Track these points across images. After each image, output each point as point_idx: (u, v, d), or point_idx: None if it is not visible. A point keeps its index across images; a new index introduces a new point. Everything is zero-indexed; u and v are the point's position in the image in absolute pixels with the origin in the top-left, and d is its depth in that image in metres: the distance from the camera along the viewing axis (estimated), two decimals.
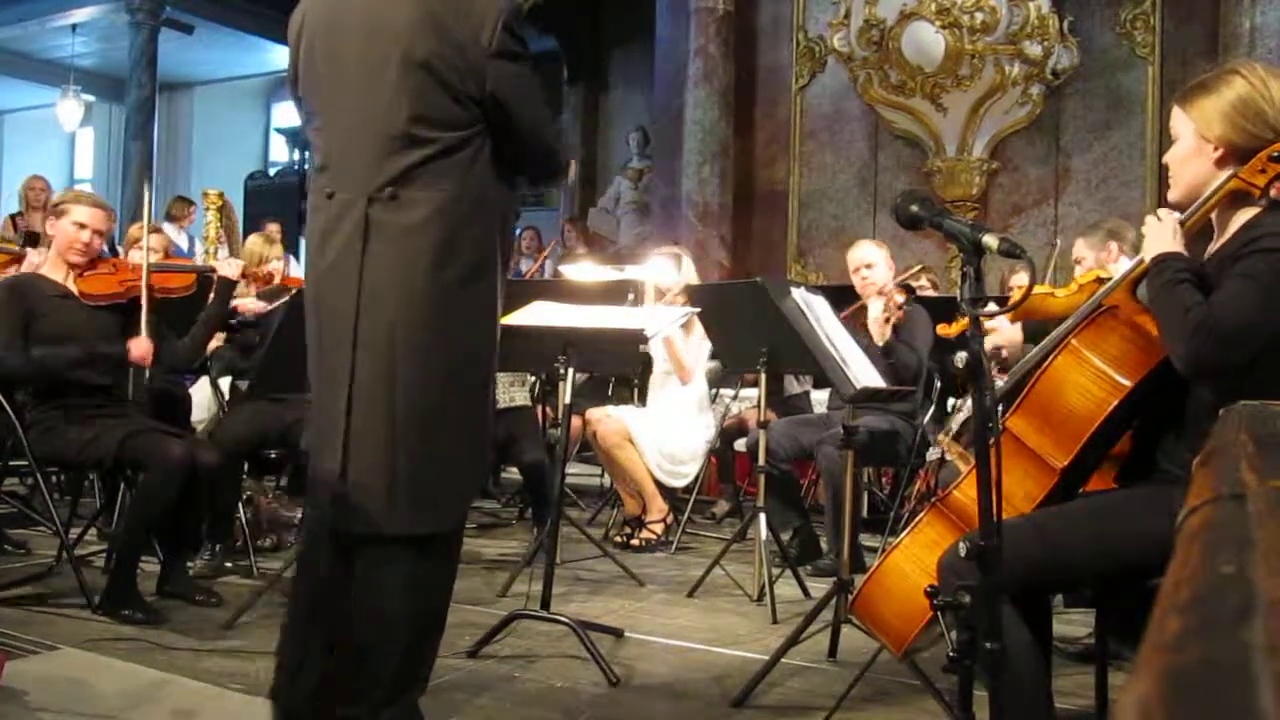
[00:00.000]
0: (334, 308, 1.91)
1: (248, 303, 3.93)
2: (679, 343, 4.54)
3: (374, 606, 1.93)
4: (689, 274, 4.74)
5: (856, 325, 4.10)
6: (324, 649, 1.96)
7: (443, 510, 1.97)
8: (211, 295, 3.61)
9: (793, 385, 5.17)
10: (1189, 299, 1.77)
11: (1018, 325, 2.86)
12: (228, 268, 3.64)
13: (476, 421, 1.99)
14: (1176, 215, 1.92)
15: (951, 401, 4.12)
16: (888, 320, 4.01)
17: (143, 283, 3.35)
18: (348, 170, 1.91)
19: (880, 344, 3.96)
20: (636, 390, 5.14)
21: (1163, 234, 1.89)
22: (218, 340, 4.46)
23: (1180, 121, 1.91)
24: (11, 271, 3.79)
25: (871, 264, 4.23)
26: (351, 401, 1.88)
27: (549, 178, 2.22)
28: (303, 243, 3.94)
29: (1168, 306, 1.79)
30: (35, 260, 3.59)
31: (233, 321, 3.87)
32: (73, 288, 3.33)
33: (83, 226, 3.31)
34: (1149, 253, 1.88)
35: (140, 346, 3.28)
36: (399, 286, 1.87)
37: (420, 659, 2.01)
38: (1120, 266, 3.03)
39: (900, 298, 4.07)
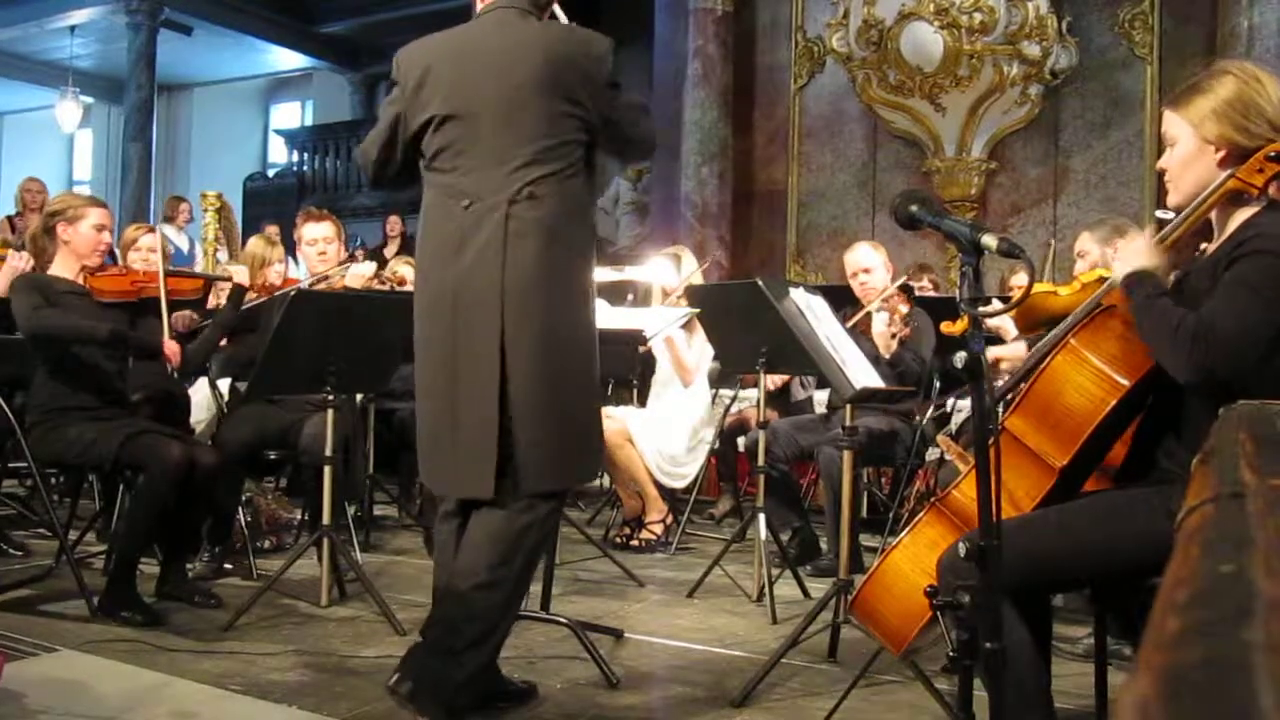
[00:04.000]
0: (478, 303, 2.17)
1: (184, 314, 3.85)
2: (680, 343, 4.54)
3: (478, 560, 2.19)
4: (692, 272, 4.74)
5: (861, 329, 4.10)
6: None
7: (589, 467, 2.40)
8: (225, 301, 3.67)
9: (798, 391, 5.17)
10: (1173, 314, 1.77)
11: (1021, 343, 2.86)
12: (241, 274, 3.71)
13: (598, 391, 2.36)
14: (1170, 216, 1.92)
15: (951, 401, 4.12)
16: (894, 335, 4.00)
17: (160, 285, 3.41)
18: (487, 183, 2.21)
19: (886, 356, 3.96)
20: (636, 391, 5.13)
21: (1133, 252, 1.90)
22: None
23: (1176, 125, 1.89)
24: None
25: (870, 268, 4.23)
26: (506, 378, 2.15)
27: (637, 162, 2.57)
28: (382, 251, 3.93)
29: (1153, 323, 1.78)
30: (16, 264, 3.59)
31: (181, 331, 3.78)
32: (84, 286, 3.34)
33: (102, 229, 3.37)
34: (1118, 273, 1.88)
35: (171, 346, 3.37)
36: (539, 276, 2.17)
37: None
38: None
39: (905, 308, 4.06)
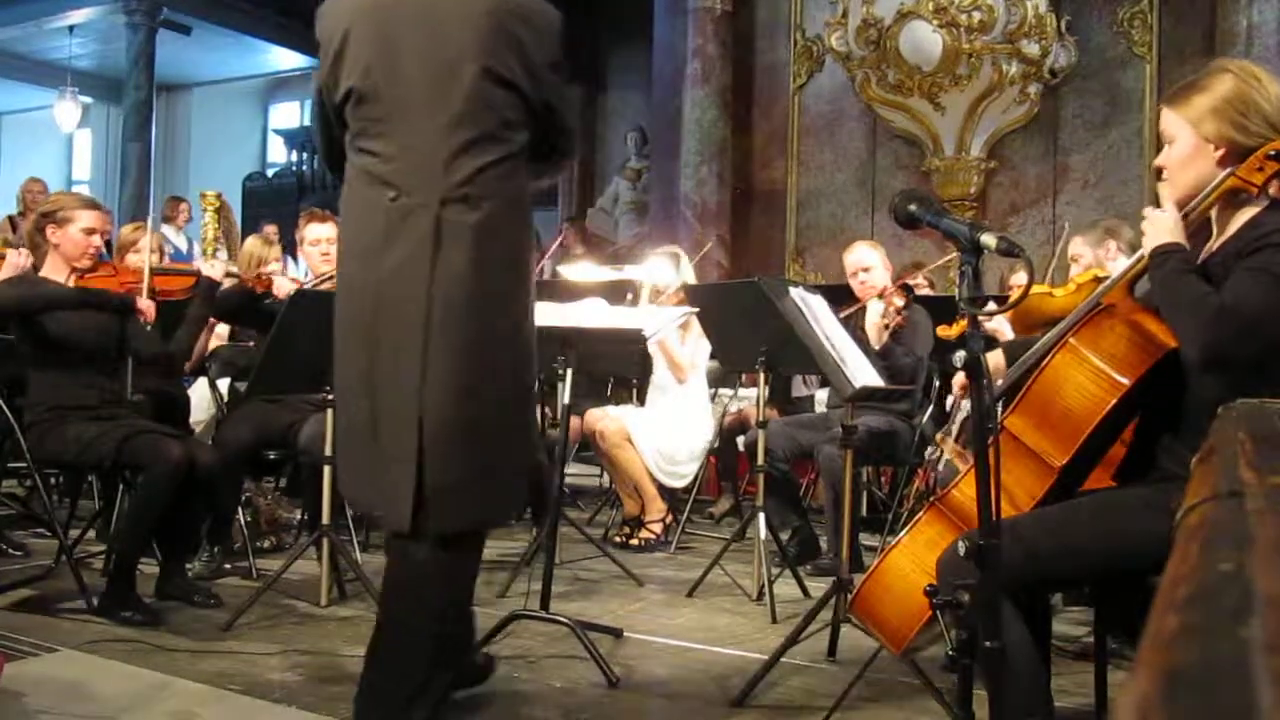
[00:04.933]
0: (400, 310, 1.95)
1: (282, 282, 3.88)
2: (673, 343, 4.54)
3: (413, 605, 2.01)
4: (686, 273, 4.75)
5: (856, 325, 4.10)
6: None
7: (513, 502, 2.16)
8: (196, 297, 3.62)
9: (801, 387, 5.17)
10: (1201, 287, 1.75)
11: (998, 351, 2.86)
12: (211, 268, 3.64)
13: (533, 417, 2.16)
14: (1172, 206, 1.91)
15: (950, 400, 4.12)
16: (887, 326, 4.00)
17: (145, 278, 3.40)
18: (415, 175, 1.96)
19: (876, 347, 3.96)
20: (636, 390, 5.13)
21: (1163, 225, 1.86)
22: (219, 339, 4.47)
23: (1174, 123, 1.88)
24: None
25: (869, 267, 4.23)
26: (424, 401, 1.92)
27: (556, 174, 2.35)
28: (296, 248, 3.90)
29: (1178, 296, 1.76)
30: (16, 261, 3.58)
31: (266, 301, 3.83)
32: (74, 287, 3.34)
33: (91, 232, 3.33)
34: (1149, 244, 1.86)
35: (144, 301, 3.34)
36: (471, 286, 1.94)
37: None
38: (1118, 265, 3.04)
39: (900, 301, 4.06)
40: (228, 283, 3.80)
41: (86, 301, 3.24)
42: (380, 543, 4.40)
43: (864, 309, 4.13)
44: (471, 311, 1.94)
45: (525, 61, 1.98)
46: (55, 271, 3.34)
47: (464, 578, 2.06)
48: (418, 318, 1.92)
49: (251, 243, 4.49)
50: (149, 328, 3.44)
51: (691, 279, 4.77)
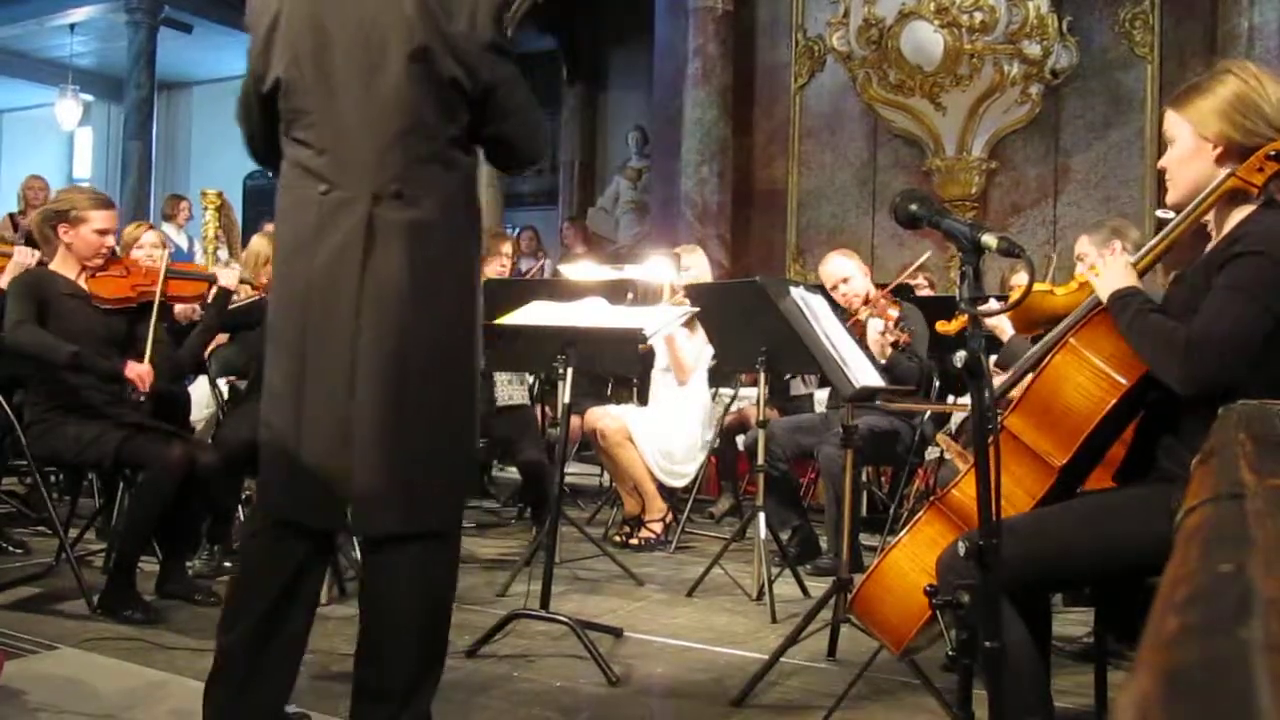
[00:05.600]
0: (330, 309, 1.88)
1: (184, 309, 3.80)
2: (681, 341, 4.54)
3: (391, 607, 1.95)
4: (702, 270, 4.76)
5: (859, 333, 4.10)
6: (284, 661, 1.97)
7: (453, 506, 2.00)
8: (210, 303, 3.63)
9: (799, 386, 5.17)
10: (1164, 326, 1.78)
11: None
12: (226, 276, 3.65)
13: (474, 416, 2.01)
14: (1169, 215, 1.93)
15: (950, 399, 4.12)
16: (894, 344, 4.00)
17: (156, 297, 3.37)
18: (346, 167, 1.88)
19: (882, 361, 3.96)
20: (636, 390, 5.14)
21: (1114, 270, 1.91)
22: (220, 339, 4.46)
23: (1176, 124, 1.91)
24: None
25: (847, 277, 4.23)
26: (353, 402, 1.86)
27: (522, 167, 2.18)
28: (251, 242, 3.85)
29: (1146, 337, 1.80)
30: (22, 260, 3.57)
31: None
32: (84, 287, 3.33)
33: (105, 233, 3.33)
34: (1103, 291, 1.89)
35: (136, 369, 3.26)
36: (404, 287, 1.85)
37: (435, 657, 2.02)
38: None
39: (894, 311, 4.05)
40: (242, 290, 3.80)
41: (77, 366, 3.17)
42: None
43: (861, 326, 4.11)
44: (403, 312, 1.85)
45: (458, 43, 1.86)
46: (65, 268, 3.34)
47: (440, 574, 1.97)
48: (348, 316, 1.85)
49: (257, 241, 4.49)
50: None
51: (707, 276, 4.79)
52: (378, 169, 1.86)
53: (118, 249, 3.53)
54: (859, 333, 4.09)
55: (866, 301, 4.14)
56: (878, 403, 2.81)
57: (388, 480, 1.88)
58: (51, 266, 3.36)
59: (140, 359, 3.33)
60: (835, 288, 4.24)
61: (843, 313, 4.22)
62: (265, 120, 1.98)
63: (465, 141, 1.93)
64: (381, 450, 1.87)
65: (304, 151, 1.92)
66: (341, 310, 1.86)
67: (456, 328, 1.94)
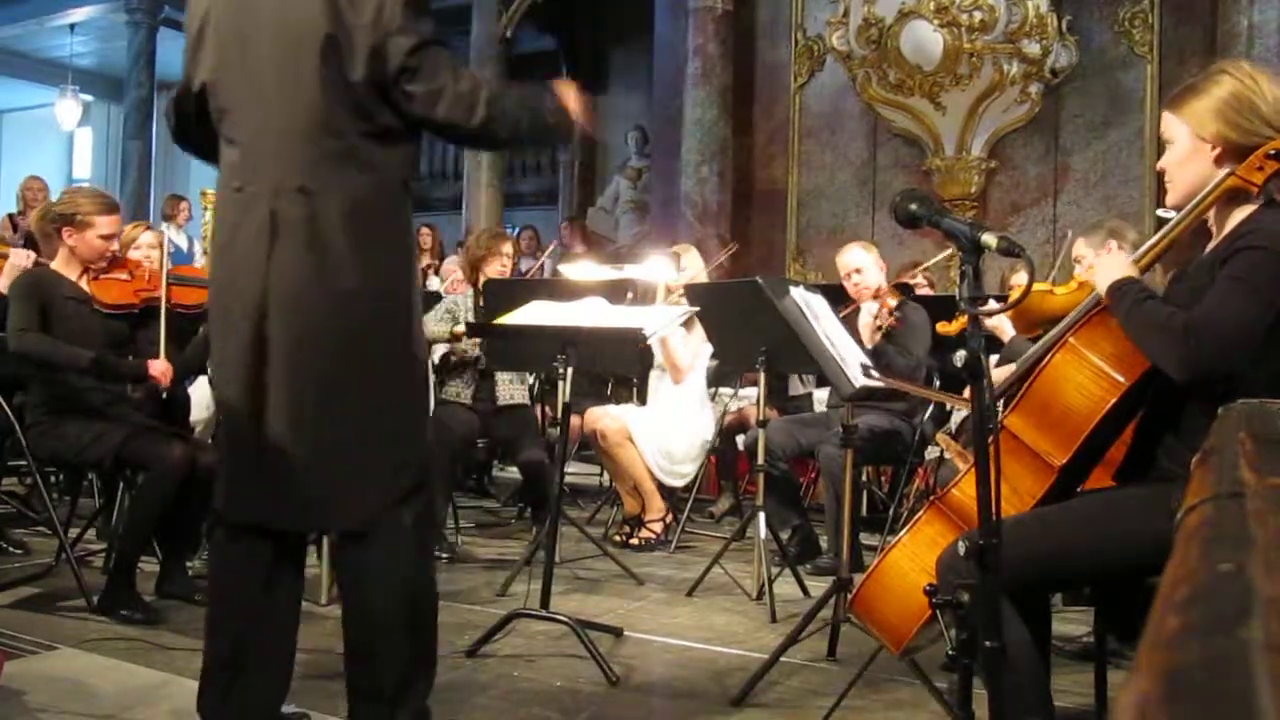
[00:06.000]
0: (240, 308, 1.88)
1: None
2: (674, 342, 4.54)
3: (360, 605, 1.95)
4: (697, 270, 4.76)
5: (851, 326, 4.10)
6: (270, 662, 1.97)
7: (387, 504, 1.92)
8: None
9: (797, 385, 5.18)
10: (1162, 311, 1.78)
11: (1009, 366, 2.87)
12: None
13: (406, 412, 1.96)
14: (1169, 214, 1.93)
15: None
16: (880, 328, 4.00)
17: (161, 300, 3.38)
18: (257, 164, 1.89)
19: (869, 347, 3.96)
20: (636, 389, 5.14)
21: (1113, 264, 1.91)
22: None
23: (1173, 125, 1.91)
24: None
25: (861, 268, 4.23)
26: (264, 401, 1.86)
27: (479, 144, 2.12)
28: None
29: (1144, 323, 1.79)
30: (18, 262, 3.57)
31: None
32: (86, 289, 3.33)
33: (109, 238, 3.32)
34: (1102, 284, 1.89)
35: (159, 366, 3.31)
36: (307, 287, 1.85)
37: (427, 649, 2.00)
38: None
39: (894, 301, 4.06)
40: None
41: (97, 372, 3.19)
42: None
43: (859, 310, 4.13)
44: (305, 311, 1.85)
45: (366, 35, 1.83)
46: (67, 269, 3.33)
47: (406, 571, 1.94)
48: (254, 314, 1.86)
49: None
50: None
51: (703, 276, 4.79)
52: (284, 166, 1.86)
53: (117, 251, 3.52)
54: (854, 321, 4.10)
55: (875, 296, 4.14)
56: (873, 374, 2.79)
57: (302, 479, 1.88)
58: (53, 266, 3.36)
59: (135, 356, 3.36)
60: (848, 277, 4.25)
61: (850, 299, 4.22)
62: (202, 120, 2.00)
63: (391, 139, 1.90)
64: (292, 449, 1.86)
65: (230, 150, 1.94)
66: (248, 309, 1.87)
67: (373, 327, 1.90)
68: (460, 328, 4.27)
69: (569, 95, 2.07)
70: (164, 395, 3.43)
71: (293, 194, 1.85)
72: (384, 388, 1.92)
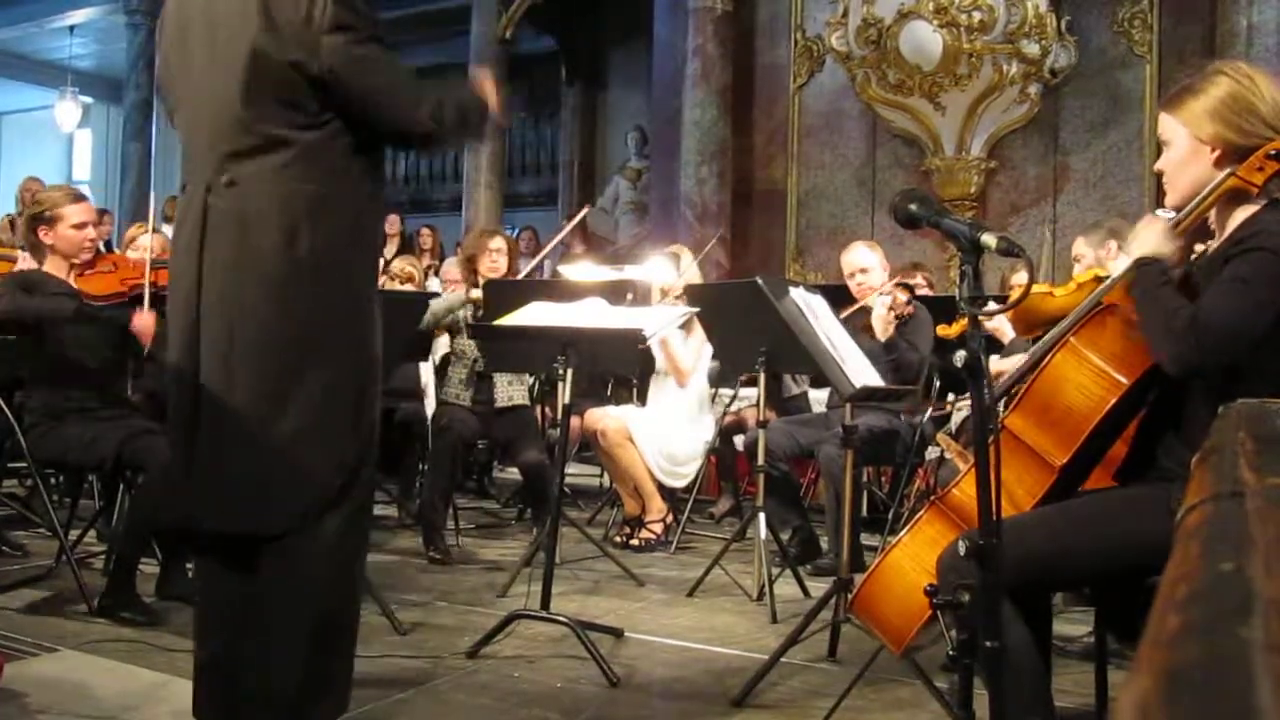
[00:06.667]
0: (181, 300, 1.90)
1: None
2: (675, 344, 4.54)
3: (253, 615, 1.90)
4: (690, 271, 4.75)
5: (857, 327, 4.10)
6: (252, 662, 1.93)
7: (284, 510, 1.89)
8: None
9: (791, 386, 5.17)
10: (1173, 302, 1.77)
11: (1015, 357, 2.87)
12: None
13: (334, 417, 1.92)
14: (1169, 215, 1.92)
15: (951, 398, 4.12)
16: (897, 317, 4.00)
17: (145, 276, 3.37)
18: (193, 160, 1.91)
19: (883, 340, 3.96)
20: (636, 390, 5.14)
21: (1151, 234, 1.89)
22: None
23: (1170, 126, 1.90)
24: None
25: (866, 268, 4.23)
26: (199, 398, 1.85)
27: (425, 146, 2.11)
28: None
29: (1152, 310, 1.80)
30: (23, 268, 3.58)
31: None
32: (75, 285, 3.33)
33: (82, 226, 3.31)
34: (1135, 253, 1.89)
35: (143, 319, 3.30)
36: (235, 283, 1.84)
37: (321, 674, 1.92)
38: (1119, 265, 3.03)
39: (904, 296, 4.06)
40: None
41: (84, 316, 3.21)
42: (379, 543, 4.40)
43: (864, 309, 4.13)
44: (231, 306, 1.84)
45: (294, 30, 1.82)
46: (56, 269, 3.34)
47: (324, 562, 1.88)
48: (190, 311, 1.86)
49: None
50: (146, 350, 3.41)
51: (696, 277, 4.78)
52: (215, 160, 1.87)
53: (98, 242, 3.52)
54: (859, 323, 4.10)
55: (886, 292, 4.14)
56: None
57: (203, 476, 1.87)
58: (46, 268, 3.36)
59: (135, 357, 3.35)
60: (853, 276, 4.25)
61: (853, 301, 4.22)
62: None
63: (332, 133, 1.88)
64: (220, 444, 1.86)
65: (182, 147, 1.98)
66: (185, 306, 1.88)
67: (309, 323, 1.87)
68: (477, 293, 4.32)
69: (487, 86, 2.05)
70: (146, 352, 3.43)
71: (222, 189, 1.85)
72: (319, 386, 1.88)
